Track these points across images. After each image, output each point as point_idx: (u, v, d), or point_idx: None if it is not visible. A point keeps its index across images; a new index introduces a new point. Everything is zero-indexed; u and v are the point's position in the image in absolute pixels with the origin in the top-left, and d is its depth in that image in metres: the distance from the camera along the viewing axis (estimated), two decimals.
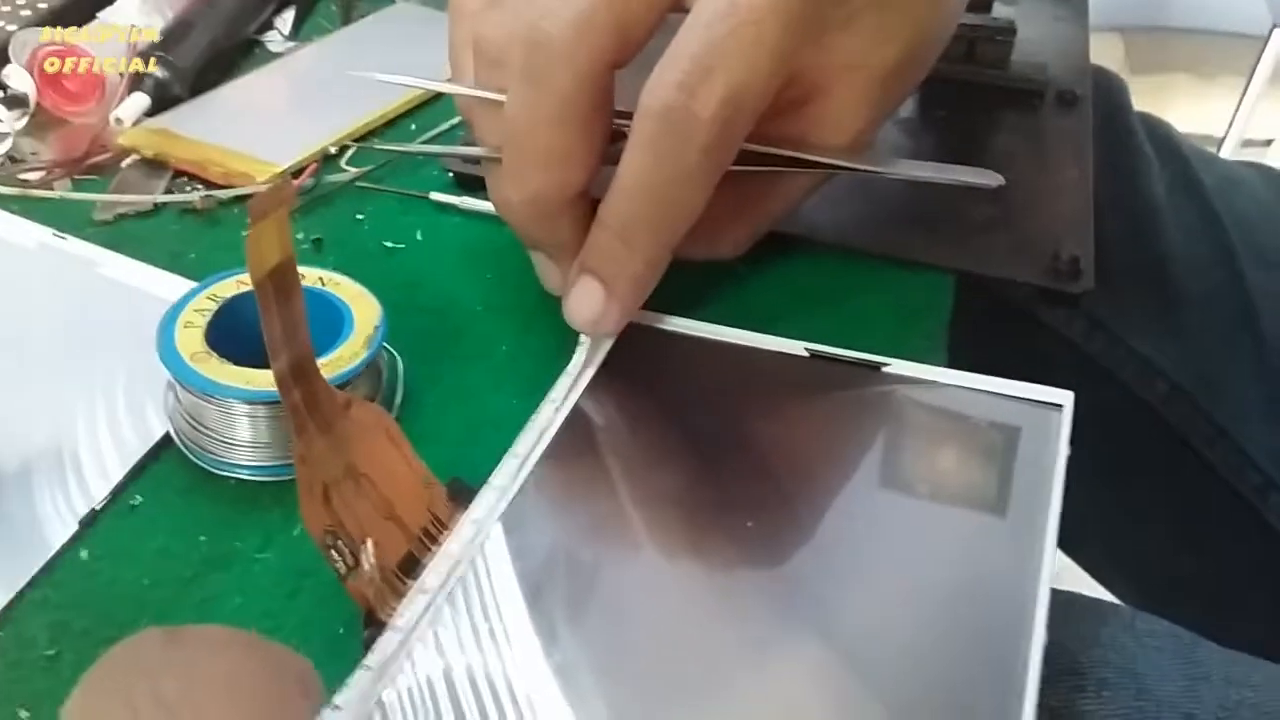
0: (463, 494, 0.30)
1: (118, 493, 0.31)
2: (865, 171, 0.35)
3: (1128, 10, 1.94)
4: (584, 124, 0.31)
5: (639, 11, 0.30)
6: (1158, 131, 0.58)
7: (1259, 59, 1.58)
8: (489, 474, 0.30)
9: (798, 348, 0.34)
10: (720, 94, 0.29)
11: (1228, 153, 1.61)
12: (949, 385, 0.33)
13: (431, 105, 0.49)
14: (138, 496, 0.31)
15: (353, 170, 0.44)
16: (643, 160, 0.31)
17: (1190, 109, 1.79)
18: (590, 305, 0.33)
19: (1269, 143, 1.81)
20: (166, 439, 0.32)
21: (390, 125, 0.47)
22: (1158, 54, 1.90)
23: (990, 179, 0.35)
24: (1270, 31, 1.50)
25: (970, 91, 0.46)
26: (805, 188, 0.36)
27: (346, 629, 0.28)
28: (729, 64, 0.29)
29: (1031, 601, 0.26)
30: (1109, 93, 0.57)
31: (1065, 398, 0.31)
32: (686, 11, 0.31)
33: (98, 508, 0.31)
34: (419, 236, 0.41)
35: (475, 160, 0.42)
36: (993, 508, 0.29)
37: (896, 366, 0.33)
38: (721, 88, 0.29)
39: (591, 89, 0.31)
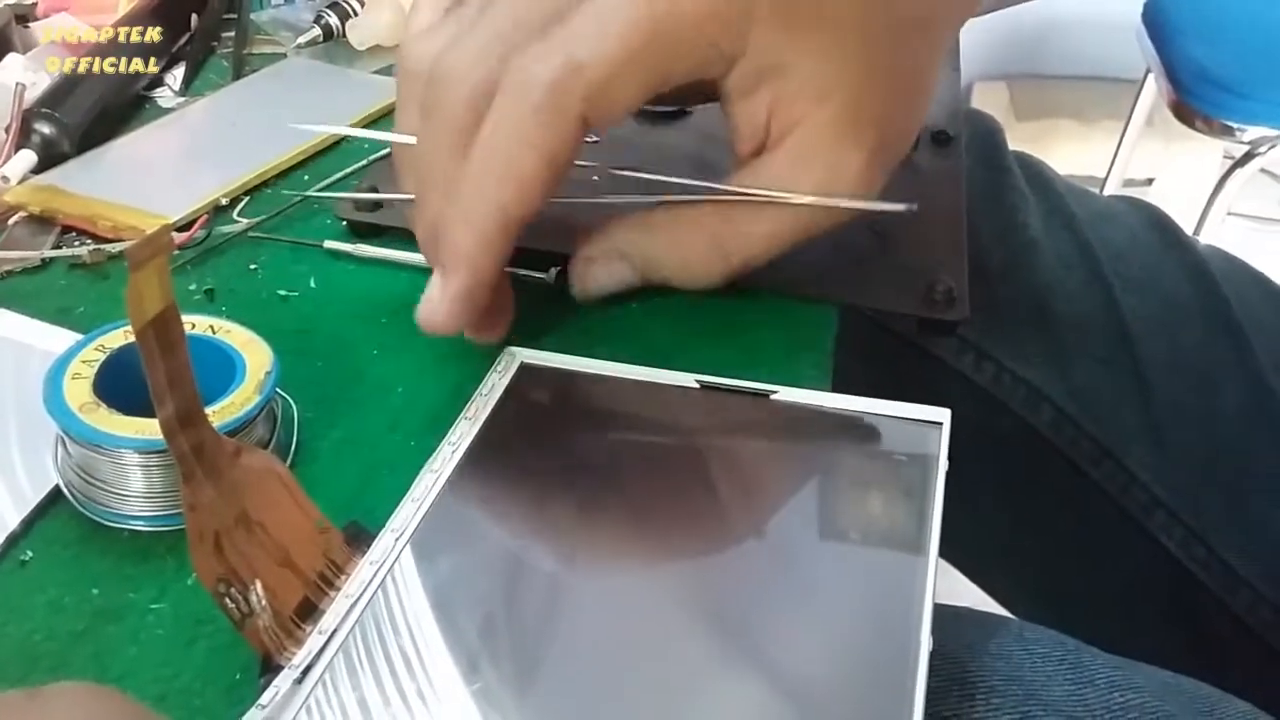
0: (360, 537, 0.30)
1: (8, 547, 0.31)
2: (796, 203, 0.35)
3: (1010, 60, 2.01)
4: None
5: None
6: (1033, 169, 0.60)
7: (1135, 102, 1.64)
8: (387, 517, 0.30)
9: (689, 380, 0.35)
10: (559, 61, 0.31)
11: (1110, 192, 1.67)
12: (834, 409, 0.34)
13: (324, 156, 0.49)
14: (28, 552, 0.31)
15: (245, 220, 0.44)
16: (485, 126, 0.32)
17: (1073, 152, 1.85)
18: (425, 299, 0.34)
19: (1150, 181, 1.88)
20: (57, 492, 0.32)
21: (283, 176, 0.47)
22: (1041, 101, 1.96)
23: (903, 205, 0.36)
24: (1145, 76, 1.56)
25: None
26: (787, 225, 0.36)
27: (244, 675, 0.27)
28: (574, 44, 0.32)
29: (918, 611, 0.27)
30: (984, 134, 0.59)
31: (943, 415, 0.32)
32: None
33: None
34: (313, 284, 0.41)
35: (370, 206, 0.43)
36: (877, 523, 0.30)
37: (784, 394, 0.34)
38: (560, 57, 0.31)
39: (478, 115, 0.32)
